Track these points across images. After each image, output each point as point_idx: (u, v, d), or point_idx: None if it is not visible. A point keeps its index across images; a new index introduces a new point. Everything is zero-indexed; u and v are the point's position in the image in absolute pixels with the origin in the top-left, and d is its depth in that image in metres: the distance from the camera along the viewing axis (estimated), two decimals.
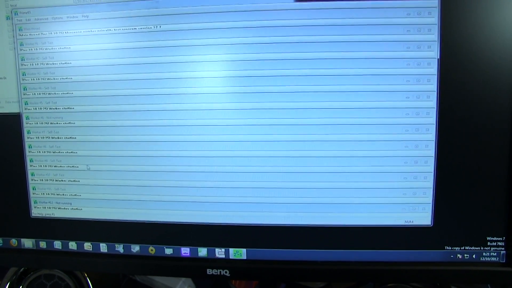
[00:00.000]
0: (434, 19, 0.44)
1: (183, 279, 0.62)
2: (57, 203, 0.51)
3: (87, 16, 0.48)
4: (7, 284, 0.58)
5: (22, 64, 0.49)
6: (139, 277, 0.64)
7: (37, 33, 0.48)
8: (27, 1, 0.48)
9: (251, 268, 0.49)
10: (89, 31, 0.48)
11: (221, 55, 0.46)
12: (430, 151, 0.46)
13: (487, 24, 0.43)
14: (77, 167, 0.50)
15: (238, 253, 0.49)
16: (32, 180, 0.51)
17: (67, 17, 0.48)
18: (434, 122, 0.45)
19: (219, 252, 0.50)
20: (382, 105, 0.45)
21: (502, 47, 0.43)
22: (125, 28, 0.47)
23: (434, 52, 0.44)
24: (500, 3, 0.43)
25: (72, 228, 0.52)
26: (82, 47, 0.48)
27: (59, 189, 0.51)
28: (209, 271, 0.49)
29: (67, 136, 0.50)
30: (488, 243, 0.46)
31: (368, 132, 0.46)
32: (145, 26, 0.47)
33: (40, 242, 0.53)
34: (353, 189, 0.47)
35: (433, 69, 0.44)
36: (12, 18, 0.48)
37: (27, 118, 0.50)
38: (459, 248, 0.47)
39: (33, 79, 0.49)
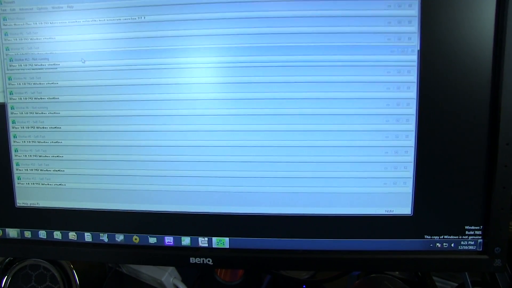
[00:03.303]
0: (414, 11, 0.44)
1: (169, 270, 0.62)
2: (42, 192, 0.52)
3: (72, 7, 0.48)
4: None
5: (6, 54, 0.49)
6: (125, 269, 0.64)
7: (22, 23, 0.49)
8: None
9: (234, 257, 0.50)
10: (74, 21, 0.48)
11: (205, 45, 0.47)
12: (410, 141, 0.46)
13: (467, 17, 0.44)
14: (62, 156, 0.51)
15: (221, 242, 0.50)
16: (17, 169, 0.52)
17: (52, 7, 0.48)
18: (414, 113, 0.46)
19: (202, 241, 0.50)
20: (363, 96, 0.46)
21: (480, 39, 0.44)
22: (110, 18, 0.47)
23: (414, 44, 0.45)
24: None
25: (56, 218, 0.52)
26: (67, 37, 0.48)
27: (44, 179, 0.51)
28: (192, 260, 0.50)
29: (52, 126, 0.50)
30: (466, 232, 0.47)
31: (349, 122, 0.46)
32: (130, 17, 0.47)
33: (25, 232, 0.53)
34: (334, 178, 0.47)
35: (413, 60, 0.45)
36: None
37: (12, 108, 0.50)
38: (438, 237, 0.48)
39: (18, 69, 0.49)
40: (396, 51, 0.45)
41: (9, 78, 0.50)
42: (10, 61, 0.49)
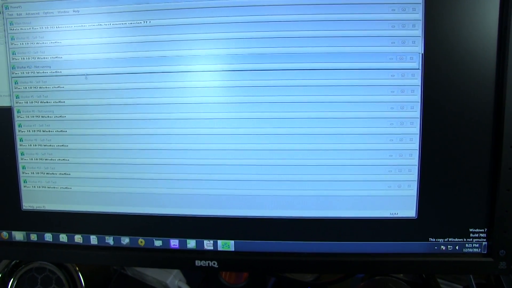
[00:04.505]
0: (418, 15, 0.45)
1: (174, 273, 0.62)
2: (48, 195, 0.52)
3: (78, 11, 0.48)
4: None
5: (13, 58, 0.50)
6: (130, 272, 0.64)
7: (28, 28, 0.49)
8: None
9: (239, 260, 0.50)
10: (79, 25, 0.48)
11: (209, 50, 0.47)
12: (414, 145, 0.46)
13: (470, 20, 0.44)
14: (68, 160, 0.51)
15: (226, 245, 0.50)
16: (23, 173, 0.52)
17: (58, 11, 0.48)
18: (419, 116, 0.46)
19: (208, 244, 0.50)
20: (367, 99, 0.46)
21: (484, 42, 0.44)
22: (115, 23, 0.48)
23: (418, 47, 0.45)
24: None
25: (62, 221, 0.52)
26: (72, 41, 0.49)
27: (50, 182, 0.52)
28: (197, 263, 0.50)
29: (58, 130, 0.50)
30: (471, 235, 0.47)
31: (354, 126, 0.47)
32: (135, 21, 0.47)
33: (31, 235, 0.53)
34: (339, 181, 0.48)
35: (417, 64, 0.45)
36: (3, 12, 0.49)
37: (18, 111, 0.51)
38: (442, 240, 0.48)
39: (24, 73, 0.50)
40: (400, 54, 0.45)
41: (15, 82, 0.50)
42: (16, 65, 0.50)
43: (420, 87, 0.45)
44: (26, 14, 0.49)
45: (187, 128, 0.48)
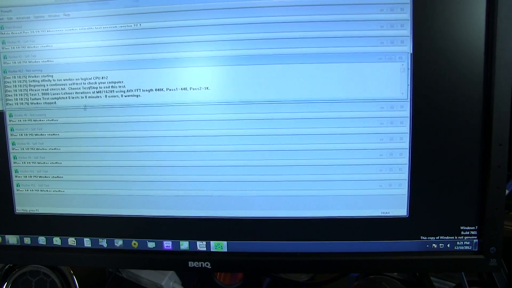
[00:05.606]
0: (406, 15, 0.45)
1: (169, 274, 0.62)
2: (41, 199, 0.52)
3: (69, 15, 0.48)
4: None
5: (4, 62, 0.50)
6: (125, 274, 0.64)
7: (19, 32, 0.49)
8: (9, 0, 0.48)
9: (232, 261, 0.50)
10: (70, 29, 0.48)
11: (199, 52, 0.47)
12: (404, 144, 0.47)
13: (458, 19, 0.44)
14: (61, 163, 0.51)
15: (219, 246, 0.50)
16: (16, 176, 0.52)
17: (49, 15, 0.49)
18: (408, 116, 0.46)
19: (201, 245, 0.50)
20: (357, 99, 0.46)
21: (472, 41, 0.44)
22: (106, 26, 0.48)
23: (407, 47, 0.45)
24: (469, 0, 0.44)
25: (56, 224, 0.52)
26: (64, 45, 0.49)
27: (43, 185, 0.52)
28: (190, 264, 0.50)
29: (50, 133, 0.51)
30: (462, 233, 0.48)
31: (344, 126, 0.47)
32: (126, 24, 0.48)
33: (24, 238, 0.53)
34: (330, 181, 0.48)
35: (405, 64, 0.45)
36: None
37: (11, 115, 0.51)
38: (434, 238, 0.48)
39: (16, 77, 0.50)
40: (389, 54, 0.46)
41: (7, 86, 0.50)
42: (7, 69, 0.50)
43: (409, 86, 0.46)
44: (17, 18, 0.49)
45: (180, 130, 0.48)
